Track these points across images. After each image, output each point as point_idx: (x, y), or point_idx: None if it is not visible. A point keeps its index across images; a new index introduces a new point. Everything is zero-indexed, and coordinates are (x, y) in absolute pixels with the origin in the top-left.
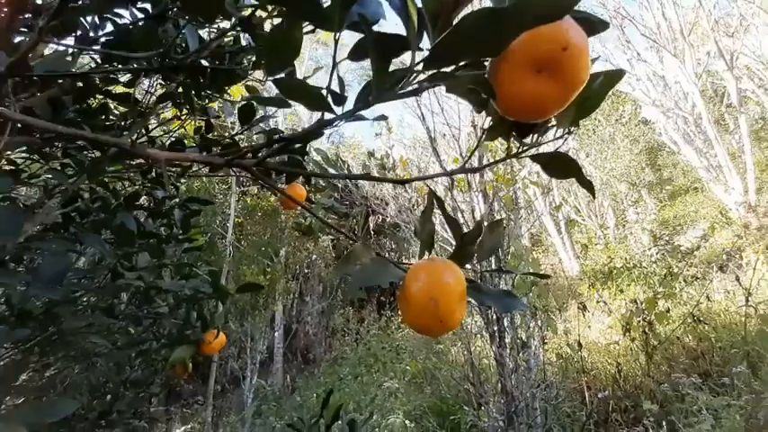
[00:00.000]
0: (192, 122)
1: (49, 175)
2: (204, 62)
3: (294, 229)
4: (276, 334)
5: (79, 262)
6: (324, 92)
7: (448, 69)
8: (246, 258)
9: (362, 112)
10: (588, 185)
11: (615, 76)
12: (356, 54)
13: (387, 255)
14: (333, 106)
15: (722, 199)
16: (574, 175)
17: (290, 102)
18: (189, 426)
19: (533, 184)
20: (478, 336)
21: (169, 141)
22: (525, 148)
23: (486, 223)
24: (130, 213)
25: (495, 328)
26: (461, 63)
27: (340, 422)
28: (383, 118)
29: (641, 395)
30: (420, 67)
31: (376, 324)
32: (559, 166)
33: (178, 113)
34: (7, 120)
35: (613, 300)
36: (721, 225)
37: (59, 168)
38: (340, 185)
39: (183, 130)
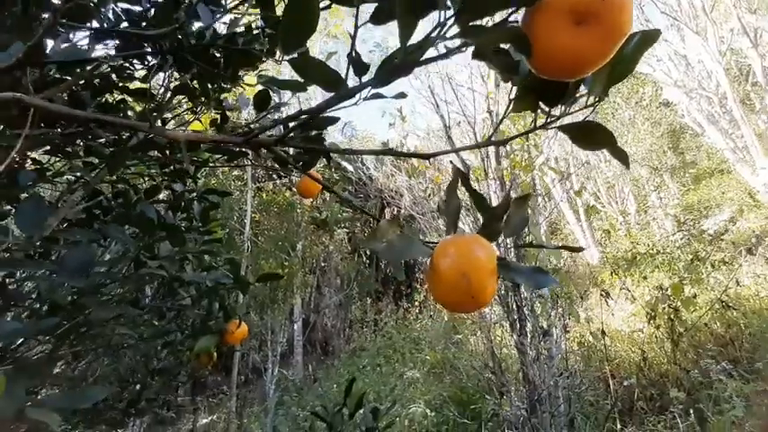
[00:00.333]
0: (208, 114)
1: (72, 175)
2: (217, 53)
3: (310, 223)
4: (295, 326)
5: (105, 257)
6: (341, 73)
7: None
8: (264, 253)
9: (380, 91)
10: (621, 155)
11: (651, 36)
12: (378, 17)
13: None
14: (351, 80)
15: (749, 181)
16: (606, 144)
17: (306, 86)
18: (215, 416)
19: (551, 170)
20: (498, 325)
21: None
22: (552, 119)
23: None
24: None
25: (516, 317)
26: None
27: (363, 410)
28: (402, 96)
29: (667, 383)
30: (451, 21)
31: (393, 315)
32: (589, 135)
33: (193, 107)
34: (26, 105)
35: (636, 287)
36: (749, 207)
37: (81, 165)
38: (354, 178)
39: (198, 123)
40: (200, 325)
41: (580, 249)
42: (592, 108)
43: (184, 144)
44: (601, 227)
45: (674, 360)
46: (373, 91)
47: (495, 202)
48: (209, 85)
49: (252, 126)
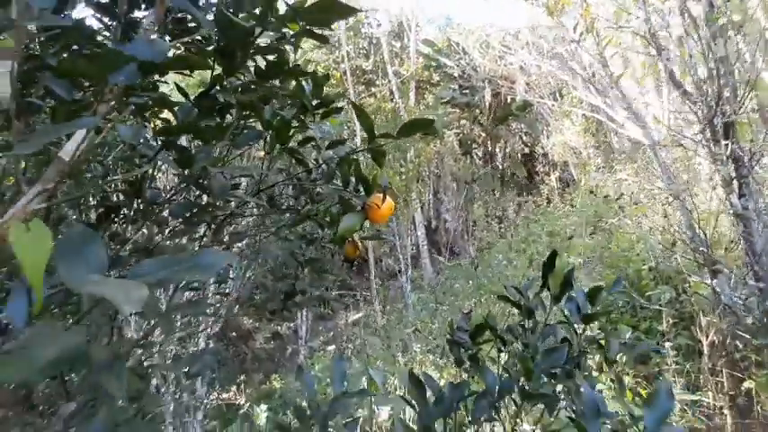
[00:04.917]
0: None
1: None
2: None
3: None
4: (419, 232)
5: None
6: None
7: None
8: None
9: None
10: None
11: None
12: None
13: (518, 139)
14: None
15: None
16: None
17: None
18: (362, 313)
19: None
20: (700, 187)
21: None
22: None
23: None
24: None
25: (734, 174)
26: None
27: (573, 293)
28: None
29: None
30: None
31: (521, 211)
32: None
33: None
34: None
35: None
36: None
37: None
38: (456, 74)
39: None
40: (339, 207)
41: None
42: None
43: None
44: None
45: None
46: None
47: (703, 62)
48: None
49: None
